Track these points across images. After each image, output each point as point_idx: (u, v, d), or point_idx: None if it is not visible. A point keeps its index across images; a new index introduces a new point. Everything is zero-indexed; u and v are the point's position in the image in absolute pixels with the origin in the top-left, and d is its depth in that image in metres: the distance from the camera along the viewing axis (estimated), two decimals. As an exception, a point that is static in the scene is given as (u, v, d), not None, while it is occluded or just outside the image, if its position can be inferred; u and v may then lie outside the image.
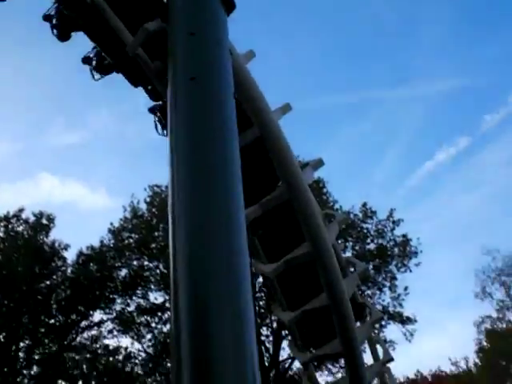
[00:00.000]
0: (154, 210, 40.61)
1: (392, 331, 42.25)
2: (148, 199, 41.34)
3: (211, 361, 6.50)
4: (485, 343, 55.19)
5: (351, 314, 17.47)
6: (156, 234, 40.01)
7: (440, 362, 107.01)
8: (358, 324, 19.16)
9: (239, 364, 6.43)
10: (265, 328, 40.62)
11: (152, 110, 13.73)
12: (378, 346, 23.75)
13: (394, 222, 41.39)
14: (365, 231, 41.46)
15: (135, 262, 40.16)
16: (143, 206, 41.46)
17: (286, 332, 37.23)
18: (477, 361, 61.94)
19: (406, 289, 40.77)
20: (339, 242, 29.94)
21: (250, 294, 7.31)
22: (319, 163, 18.09)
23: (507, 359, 48.22)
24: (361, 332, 18.78)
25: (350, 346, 18.09)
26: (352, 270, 20.26)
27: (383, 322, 39.57)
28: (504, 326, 46.61)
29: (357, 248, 40.98)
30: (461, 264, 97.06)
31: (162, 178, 40.12)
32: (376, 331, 30.59)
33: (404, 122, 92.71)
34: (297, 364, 38.02)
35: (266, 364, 38.64)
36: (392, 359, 22.72)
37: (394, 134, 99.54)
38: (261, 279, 37.00)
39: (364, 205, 41.53)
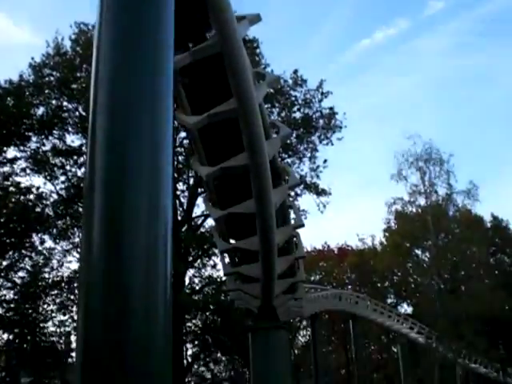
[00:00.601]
0: (78, 48, 38.53)
1: (306, 202, 43.29)
2: (73, 37, 39.09)
3: (124, 209, 6.20)
4: (393, 224, 57.72)
5: (269, 175, 17.47)
6: (78, 74, 38.24)
7: (347, 238, 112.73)
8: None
9: (152, 211, 6.17)
10: (181, 183, 40.67)
11: None
12: (291, 212, 24.28)
13: (322, 94, 41.03)
14: (293, 99, 41.04)
15: (54, 102, 38.44)
16: (68, 44, 39.27)
17: (202, 190, 37.45)
18: (383, 240, 65.31)
19: (325, 161, 41.25)
20: (266, 106, 29.61)
21: (170, 148, 6.94)
22: (256, 18, 17.34)
23: (411, 241, 50.62)
24: (276, 195, 18.92)
25: (264, 205, 18.24)
26: (275, 135, 20.09)
27: (298, 191, 40.29)
28: (414, 210, 48.43)
29: (282, 115, 40.69)
30: (382, 145, 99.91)
31: (90, 16, 37.97)
32: (291, 198, 31.10)
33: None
34: (209, 221, 38.66)
35: (179, 218, 39.03)
36: (303, 225, 23.32)
37: (335, 4, 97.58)
38: (182, 134, 36.58)
39: (295, 72, 40.77)
